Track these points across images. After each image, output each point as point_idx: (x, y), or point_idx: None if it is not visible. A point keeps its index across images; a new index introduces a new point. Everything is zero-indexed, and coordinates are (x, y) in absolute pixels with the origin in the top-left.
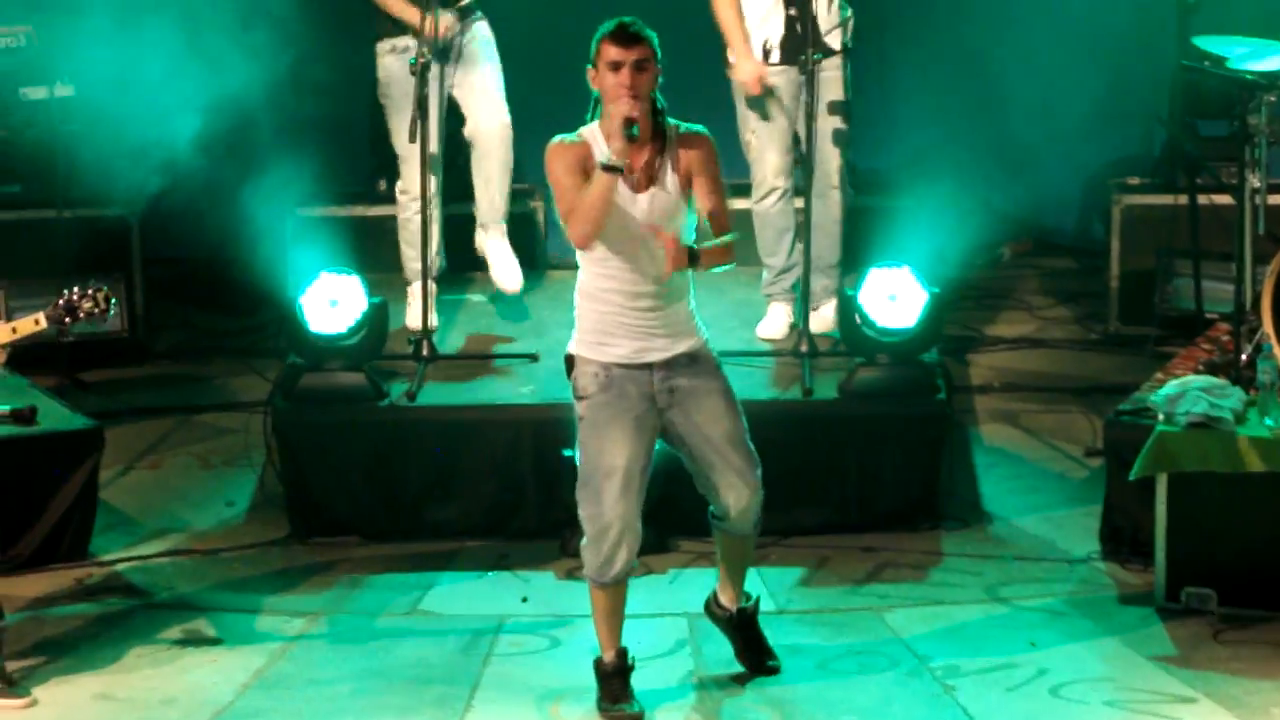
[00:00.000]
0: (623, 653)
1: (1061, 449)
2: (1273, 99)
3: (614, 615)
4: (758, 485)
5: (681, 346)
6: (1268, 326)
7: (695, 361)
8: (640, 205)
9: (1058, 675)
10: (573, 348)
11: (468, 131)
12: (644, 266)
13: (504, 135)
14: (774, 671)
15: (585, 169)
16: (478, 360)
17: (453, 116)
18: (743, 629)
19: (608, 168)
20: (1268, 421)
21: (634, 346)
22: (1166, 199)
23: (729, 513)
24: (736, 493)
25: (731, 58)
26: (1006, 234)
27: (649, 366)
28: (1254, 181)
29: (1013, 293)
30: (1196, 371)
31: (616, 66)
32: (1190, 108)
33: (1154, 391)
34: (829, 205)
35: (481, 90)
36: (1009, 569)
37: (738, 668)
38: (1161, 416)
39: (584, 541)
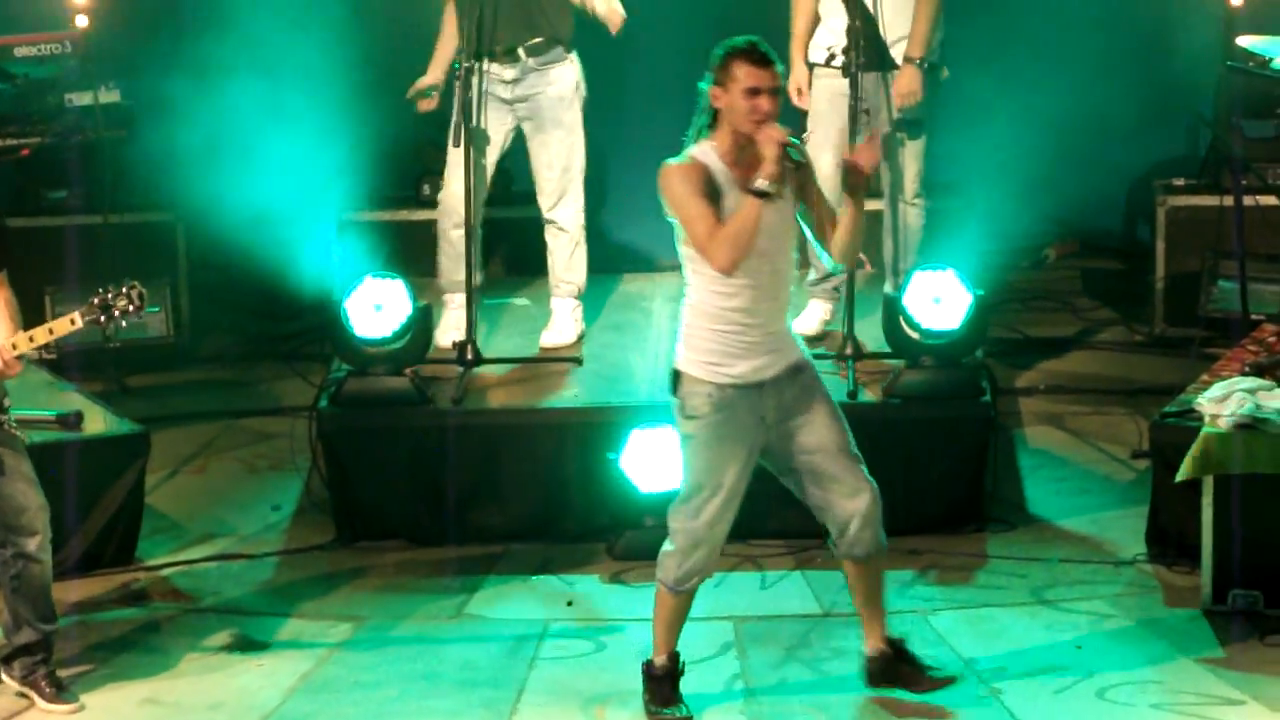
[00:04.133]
0: (675, 656)
1: (1107, 451)
2: None
3: (678, 621)
4: (875, 489)
5: (790, 360)
6: None
7: (801, 373)
8: (780, 214)
9: (1104, 678)
10: (682, 365)
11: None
12: (766, 285)
13: (572, 222)
14: (944, 683)
15: (709, 191)
16: (522, 364)
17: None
18: (902, 660)
19: (760, 193)
20: None
21: (751, 365)
22: (1212, 200)
23: (850, 527)
24: (857, 500)
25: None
26: (1051, 236)
27: (761, 385)
28: None
29: (1058, 294)
30: (1242, 373)
31: (755, 92)
32: (1235, 109)
33: (1200, 393)
34: (901, 215)
35: (545, 166)
36: (1054, 571)
37: (785, 671)
38: (1207, 418)
39: (668, 548)
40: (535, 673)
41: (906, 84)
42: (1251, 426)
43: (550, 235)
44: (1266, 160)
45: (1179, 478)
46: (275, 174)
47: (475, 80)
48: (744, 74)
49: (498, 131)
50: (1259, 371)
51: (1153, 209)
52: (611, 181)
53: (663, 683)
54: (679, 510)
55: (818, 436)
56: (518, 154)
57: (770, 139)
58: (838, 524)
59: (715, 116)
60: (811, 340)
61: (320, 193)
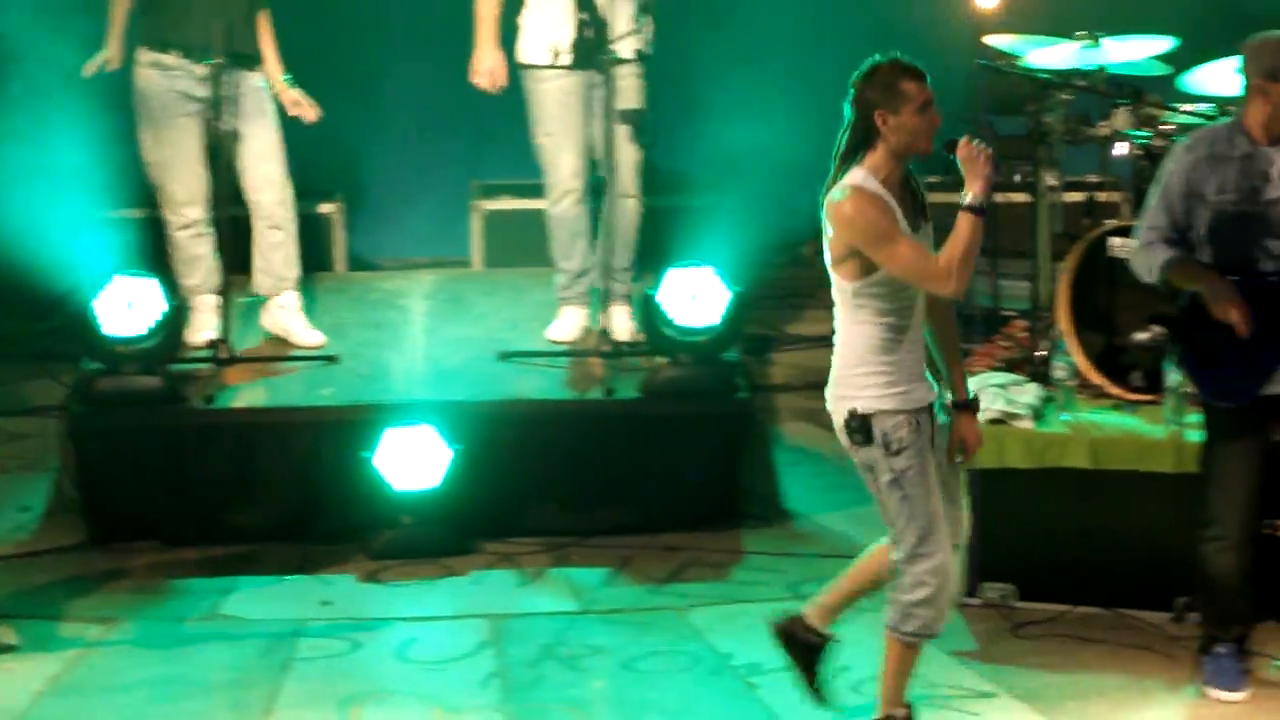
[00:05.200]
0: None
1: None
2: (1066, 98)
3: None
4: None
5: (933, 387)
6: (1064, 323)
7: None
8: (926, 239)
9: (859, 671)
10: (869, 406)
11: (248, 198)
12: (918, 308)
13: (285, 216)
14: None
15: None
16: (276, 362)
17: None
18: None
19: (978, 210)
20: (1064, 417)
21: (923, 389)
22: None
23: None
24: (962, 523)
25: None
26: (808, 233)
27: (929, 408)
28: (1049, 180)
29: (814, 291)
30: (994, 368)
31: (928, 106)
32: (986, 106)
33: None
34: (624, 211)
35: (258, 155)
36: (810, 566)
37: (542, 669)
38: None
39: (918, 598)
40: (290, 674)
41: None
42: (1003, 421)
43: (268, 233)
44: (1017, 158)
45: None
46: (26, 170)
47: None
48: (915, 91)
49: (200, 129)
50: (1011, 367)
51: None
52: (368, 180)
53: None
54: (915, 558)
55: (940, 473)
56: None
57: (980, 153)
58: None
59: (870, 140)
60: (579, 345)
61: (73, 189)
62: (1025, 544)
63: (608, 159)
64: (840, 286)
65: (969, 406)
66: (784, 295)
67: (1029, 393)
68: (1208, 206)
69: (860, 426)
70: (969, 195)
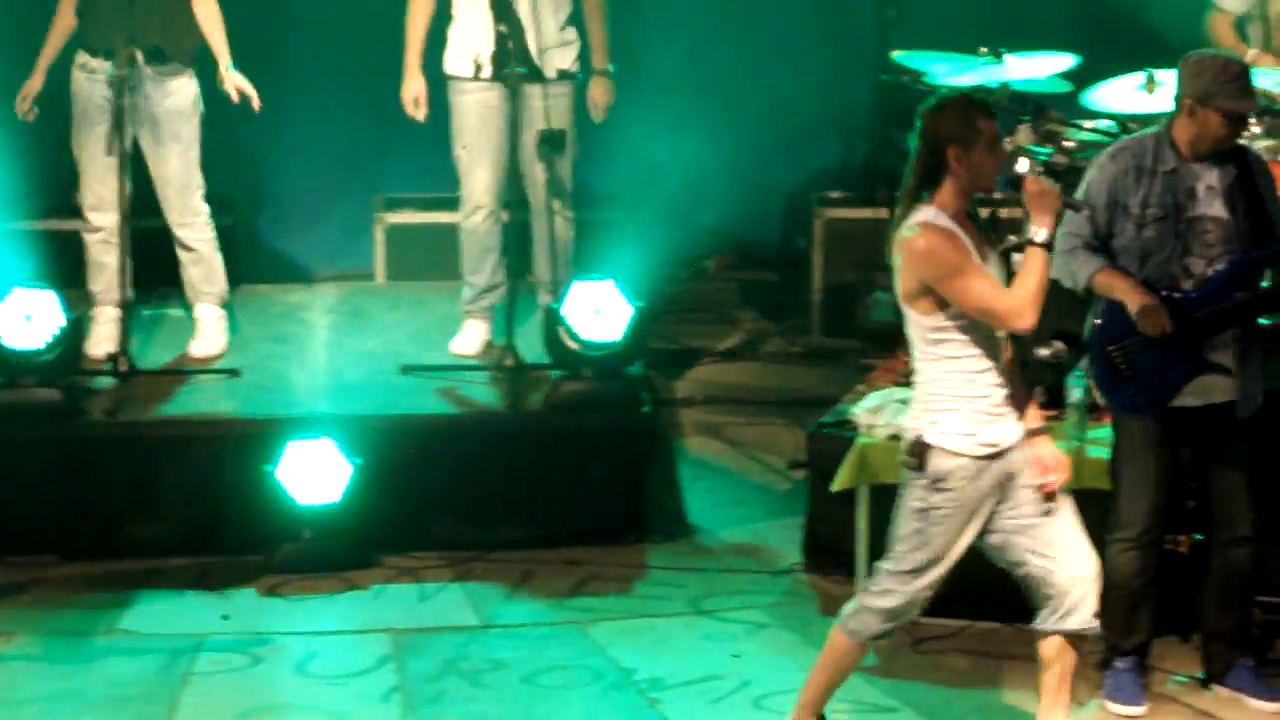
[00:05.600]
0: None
1: (765, 461)
2: None
3: (849, 676)
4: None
5: (1022, 424)
6: None
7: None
8: (995, 270)
9: (761, 686)
10: (934, 439)
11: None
12: (999, 343)
13: (199, 235)
14: None
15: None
16: (178, 375)
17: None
18: None
19: (1048, 245)
20: None
21: (1000, 431)
22: (868, 212)
23: (1071, 595)
24: (1084, 567)
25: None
26: (710, 247)
27: (1008, 451)
28: None
29: (717, 306)
30: (897, 384)
31: (996, 142)
32: (891, 122)
33: (855, 403)
34: (551, 227)
35: (164, 181)
36: (713, 581)
37: (443, 684)
38: (863, 428)
39: (875, 605)
40: (189, 688)
41: (603, 96)
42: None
43: (181, 250)
44: None
45: (834, 487)
46: None
47: (127, 89)
48: (987, 127)
49: (115, 137)
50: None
51: (810, 221)
52: (271, 193)
53: None
54: (901, 575)
55: (1049, 501)
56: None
57: (1047, 190)
58: (1057, 593)
59: (939, 176)
60: (483, 359)
61: None
62: None
63: (528, 175)
64: (917, 322)
65: (1038, 433)
66: (688, 310)
67: None
68: (1130, 219)
69: (918, 453)
70: (1041, 231)
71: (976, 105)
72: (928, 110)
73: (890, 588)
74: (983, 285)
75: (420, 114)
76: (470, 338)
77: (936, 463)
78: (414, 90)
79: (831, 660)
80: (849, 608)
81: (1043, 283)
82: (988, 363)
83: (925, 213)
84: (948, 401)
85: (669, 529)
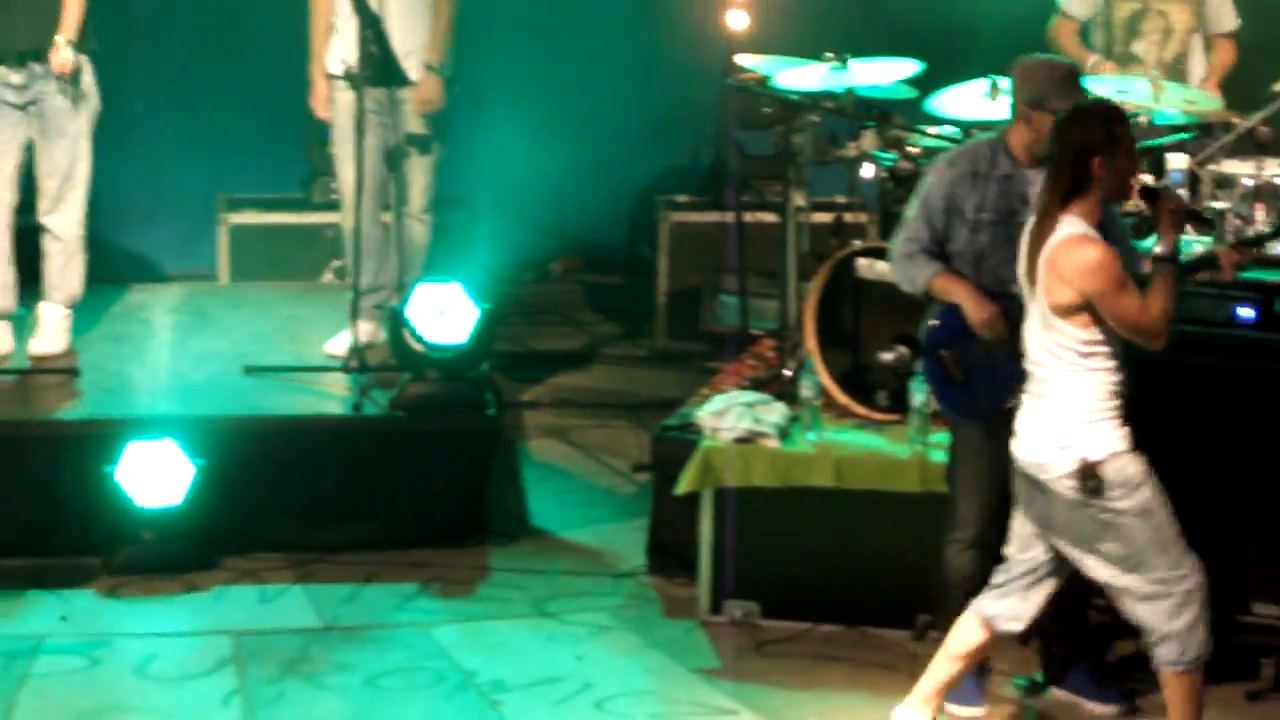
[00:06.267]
0: None
1: (609, 464)
2: (815, 119)
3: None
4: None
5: None
6: (810, 343)
7: None
8: None
9: (603, 689)
10: (1102, 450)
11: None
12: None
13: (69, 231)
14: None
15: None
16: (16, 375)
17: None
18: None
19: (1173, 260)
20: (810, 436)
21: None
22: (713, 216)
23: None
24: None
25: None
26: (556, 250)
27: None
28: (798, 200)
29: (563, 308)
30: (742, 387)
31: (1133, 150)
32: (736, 126)
33: (700, 407)
34: (409, 230)
35: (47, 174)
36: (556, 584)
37: (284, 686)
38: (707, 431)
39: (1189, 619)
40: (26, 690)
41: (428, 92)
42: (749, 440)
43: (46, 242)
44: (766, 177)
45: (678, 490)
46: None
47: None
48: (1126, 135)
49: (13, 138)
50: (758, 385)
51: (655, 224)
52: (113, 192)
53: None
54: (1175, 579)
55: None
56: None
57: (1182, 205)
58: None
59: (1083, 186)
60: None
61: None
62: (770, 562)
63: (392, 178)
64: (1068, 335)
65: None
66: (533, 312)
67: (775, 412)
68: (966, 224)
69: (1094, 474)
70: (1168, 248)
71: (1116, 111)
72: (1068, 121)
73: (1178, 604)
74: (1138, 302)
75: (326, 113)
76: (350, 339)
77: (1116, 466)
78: (320, 92)
79: (1188, 697)
80: (1169, 651)
81: (1173, 300)
82: (1121, 375)
83: (1074, 224)
84: (1098, 414)
85: (513, 531)
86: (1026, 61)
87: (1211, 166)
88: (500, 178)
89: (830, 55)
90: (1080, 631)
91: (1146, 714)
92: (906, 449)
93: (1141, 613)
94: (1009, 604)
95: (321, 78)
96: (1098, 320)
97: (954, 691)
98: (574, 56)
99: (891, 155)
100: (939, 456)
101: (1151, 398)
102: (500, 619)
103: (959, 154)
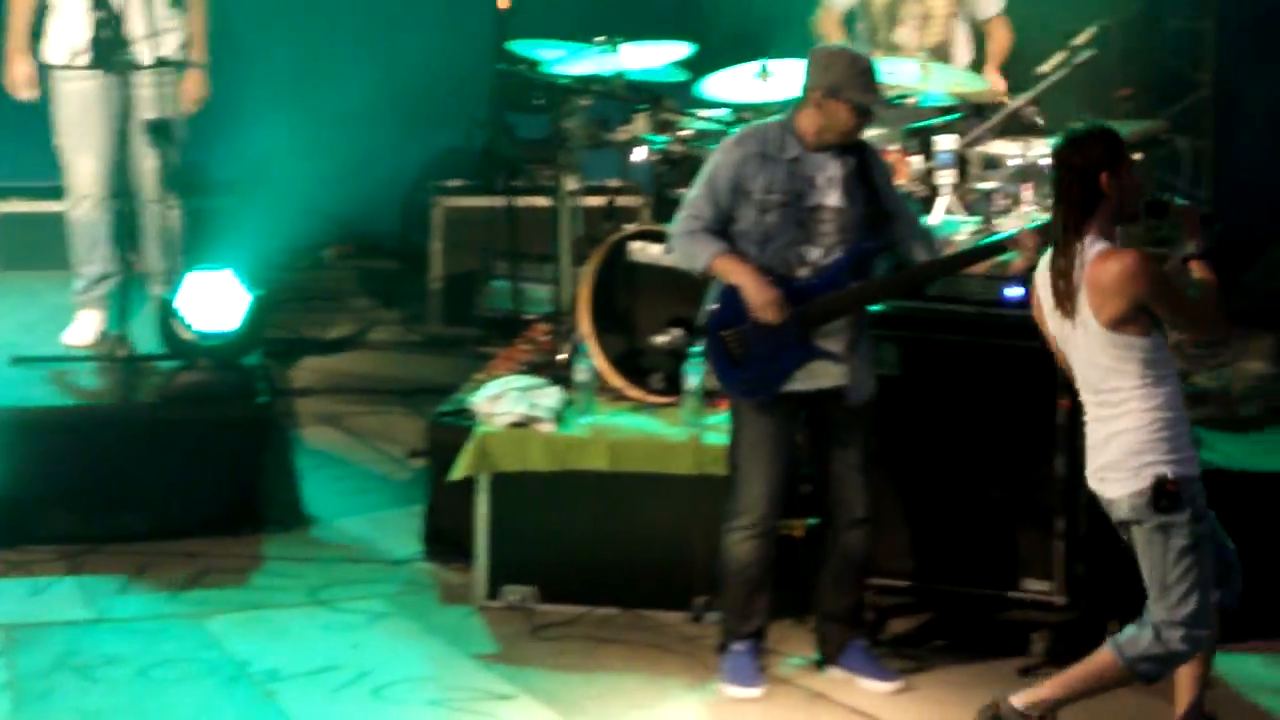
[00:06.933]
0: None
1: (385, 451)
2: (586, 103)
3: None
4: None
5: None
6: (585, 327)
7: None
8: None
9: (380, 676)
10: (1182, 470)
11: None
12: None
13: None
14: None
15: None
16: None
17: None
18: None
19: (1204, 258)
20: (585, 420)
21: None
22: (486, 201)
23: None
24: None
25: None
26: (330, 236)
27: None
28: (570, 184)
29: (336, 295)
30: (517, 372)
31: (1134, 166)
32: (509, 110)
33: (475, 392)
34: (160, 216)
35: None
36: (332, 571)
37: (54, 679)
38: (482, 417)
39: (1159, 653)
40: None
41: (195, 89)
42: (524, 425)
43: None
44: (539, 161)
45: (454, 476)
46: None
47: None
48: (1128, 154)
49: None
50: (533, 370)
51: (429, 210)
52: None
53: None
54: (1186, 625)
55: None
56: None
57: (1192, 208)
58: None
59: (1093, 206)
60: (96, 349)
61: None
62: (546, 546)
63: (134, 164)
64: (1131, 347)
65: None
66: (305, 298)
67: (550, 396)
68: (753, 204)
69: (1171, 493)
70: (1196, 246)
71: (1110, 132)
72: (1068, 145)
73: (1171, 643)
74: (1191, 302)
75: (29, 94)
76: (84, 329)
77: (1192, 492)
78: (21, 71)
79: (1090, 675)
80: (1124, 643)
81: (1218, 288)
82: (1177, 378)
83: (1098, 242)
84: (1175, 425)
85: (287, 519)
86: (827, 50)
87: (979, 147)
88: (272, 164)
89: (601, 38)
90: (856, 611)
91: (919, 689)
92: (681, 431)
93: (1150, 622)
94: None
95: (20, 57)
96: (1155, 327)
97: (732, 673)
98: (348, 42)
99: (663, 138)
100: (713, 439)
101: (922, 377)
102: (275, 608)
103: (747, 134)
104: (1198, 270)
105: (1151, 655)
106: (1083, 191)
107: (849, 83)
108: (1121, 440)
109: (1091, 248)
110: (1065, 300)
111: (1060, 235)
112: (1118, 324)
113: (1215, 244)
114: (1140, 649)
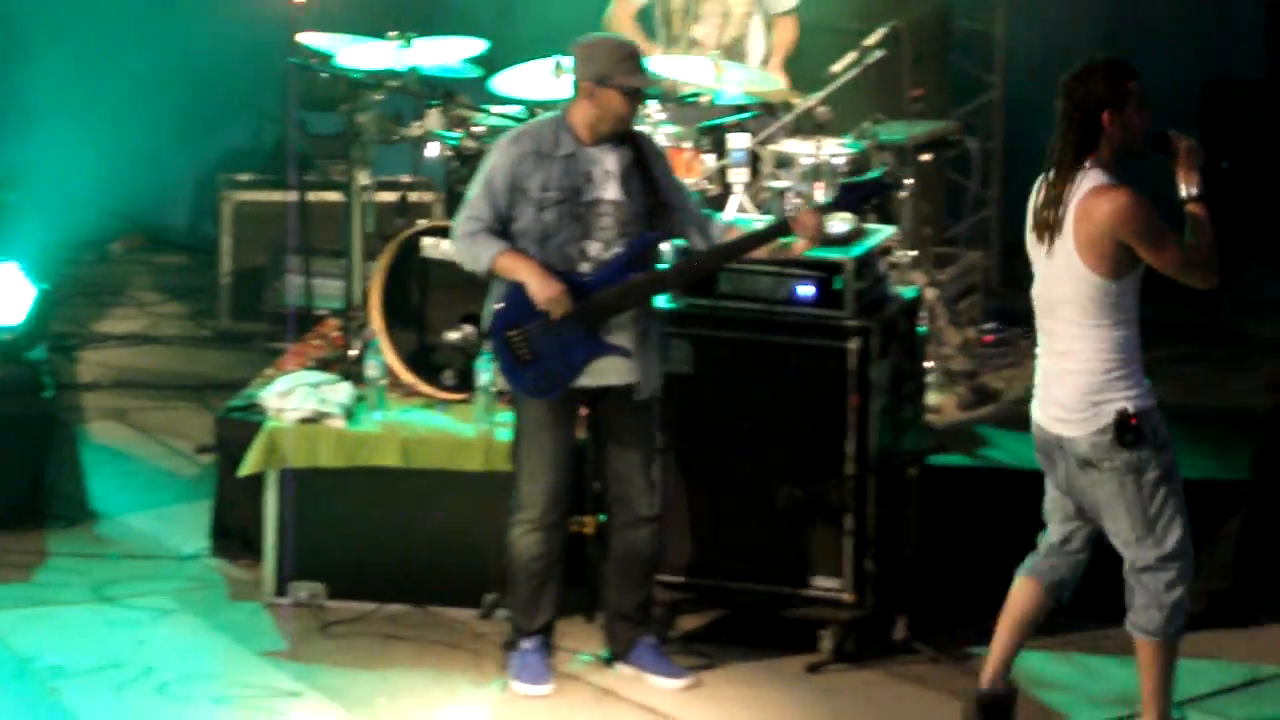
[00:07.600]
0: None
1: (172, 446)
2: (379, 98)
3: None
4: None
5: None
6: (376, 322)
7: None
8: None
9: (165, 673)
10: (1140, 403)
11: None
12: None
13: None
14: None
15: None
16: None
17: None
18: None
19: (1202, 199)
20: (376, 416)
21: None
22: (277, 195)
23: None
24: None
25: None
26: (117, 229)
27: None
28: (362, 179)
29: (124, 289)
30: (307, 367)
31: (1143, 102)
32: (300, 105)
33: (264, 387)
34: None
35: None
36: (117, 567)
37: None
38: (271, 412)
39: (1181, 593)
40: None
41: None
42: (314, 420)
43: None
44: (331, 156)
45: (242, 471)
46: None
47: None
48: (1135, 87)
49: None
50: (324, 366)
51: (218, 204)
52: None
53: None
54: (1179, 555)
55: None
56: None
57: (1194, 146)
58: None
59: (1094, 142)
60: None
61: None
62: (336, 543)
63: None
64: (1100, 287)
65: None
66: (92, 292)
67: (341, 392)
68: (531, 202)
69: (1134, 426)
70: (1196, 188)
71: (1123, 65)
72: (1073, 79)
73: (1174, 577)
74: (1178, 241)
75: None
76: None
77: (1152, 422)
78: None
79: (1163, 669)
80: (1154, 619)
81: (1214, 236)
82: (1137, 324)
83: (1099, 175)
84: (1132, 365)
85: (71, 515)
86: (589, 40)
87: (772, 146)
88: (59, 155)
89: (394, 33)
90: (645, 608)
91: (709, 686)
92: (473, 428)
93: (1140, 580)
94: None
95: None
96: (1131, 269)
97: (521, 670)
98: (138, 33)
99: (457, 134)
100: (505, 435)
101: (715, 375)
102: (58, 604)
103: (522, 132)
104: (1199, 214)
105: (1168, 606)
106: (1082, 125)
107: (616, 69)
108: (1075, 380)
109: (1090, 179)
110: (1047, 228)
111: (1057, 163)
112: (1095, 262)
113: (1221, 184)
114: (1161, 613)
